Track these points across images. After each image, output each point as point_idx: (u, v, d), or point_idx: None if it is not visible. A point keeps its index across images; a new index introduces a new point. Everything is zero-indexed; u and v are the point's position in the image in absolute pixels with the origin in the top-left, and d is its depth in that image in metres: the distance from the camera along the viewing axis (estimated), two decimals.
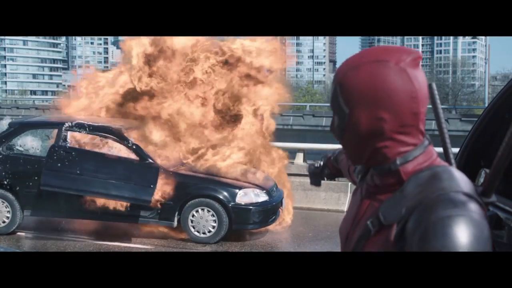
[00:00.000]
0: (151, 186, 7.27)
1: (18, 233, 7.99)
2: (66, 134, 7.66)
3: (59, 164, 7.30)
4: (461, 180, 1.12)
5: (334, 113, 1.23)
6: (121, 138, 7.75)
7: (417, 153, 1.17)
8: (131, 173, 7.38)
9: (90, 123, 7.86)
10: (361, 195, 1.30)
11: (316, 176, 2.08)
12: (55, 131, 7.82)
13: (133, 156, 7.60)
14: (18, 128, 8.12)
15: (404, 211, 1.11)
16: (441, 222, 1.04)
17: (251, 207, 7.55)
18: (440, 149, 1.32)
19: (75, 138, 7.78)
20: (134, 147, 7.59)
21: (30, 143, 8.07)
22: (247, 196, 7.64)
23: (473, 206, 1.06)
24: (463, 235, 1.01)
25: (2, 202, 7.81)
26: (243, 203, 7.56)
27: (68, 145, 7.62)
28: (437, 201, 1.07)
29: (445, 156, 1.30)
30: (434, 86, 1.32)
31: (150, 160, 7.58)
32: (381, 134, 1.15)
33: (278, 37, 10.30)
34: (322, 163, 2.06)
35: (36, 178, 7.55)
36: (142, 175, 7.37)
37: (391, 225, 1.13)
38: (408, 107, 1.14)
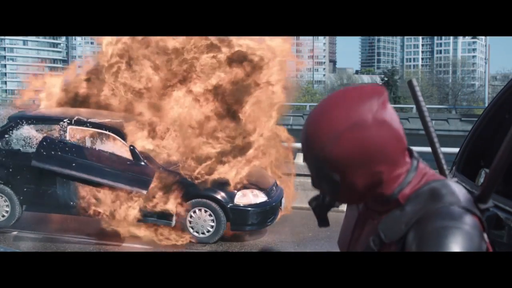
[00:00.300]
0: (148, 178, 7.29)
1: (18, 233, 7.99)
2: (64, 129, 7.69)
3: (51, 151, 7.33)
4: (460, 194, 1.14)
5: (319, 179, 1.19)
6: (120, 136, 7.77)
7: (410, 177, 1.18)
8: (127, 167, 7.43)
9: (91, 119, 7.86)
10: (357, 208, 1.31)
11: (321, 210, 1.95)
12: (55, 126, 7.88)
13: (130, 155, 7.59)
14: (18, 123, 8.08)
15: (403, 227, 1.13)
16: (437, 232, 1.07)
17: (249, 209, 7.50)
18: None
19: (72, 133, 7.81)
20: (131, 147, 7.55)
21: (29, 136, 8.02)
22: (245, 197, 7.59)
23: (469, 219, 1.09)
24: (456, 247, 1.04)
25: (1, 196, 7.82)
26: (241, 204, 7.52)
27: (65, 139, 7.64)
28: (436, 213, 1.10)
29: (436, 160, 1.30)
30: (414, 82, 1.31)
31: (149, 160, 7.57)
32: (380, 183, 1.16)
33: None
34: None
35: (34, 172, 7.58)
36: (139, 168, 7.41)
37: (392, 242, 1.15)
38: (397, 148, 1.14)
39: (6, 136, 7.95)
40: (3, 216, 7.81)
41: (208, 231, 7.50)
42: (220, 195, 7.50)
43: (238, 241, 7.82)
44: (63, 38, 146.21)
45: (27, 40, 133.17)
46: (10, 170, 7.80)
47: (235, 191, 7.56)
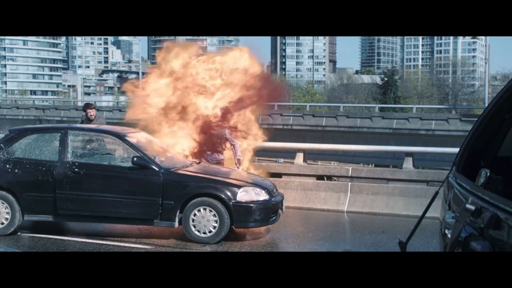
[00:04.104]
0: (156, 199, 7.45)
1: (18, 233, 7.99)
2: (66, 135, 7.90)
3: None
4: None
5: None
6: (121, 143, 7.87)
7: None
8: (135, 189, 7.57)
9: (90, 127, 7.96)
10: None
11: None
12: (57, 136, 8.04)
13: (133, 162, 7.63)
14: (18, 134, 8.24)
15: None
16: None
17: (252, 205, 7.56)
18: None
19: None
20: (135, 159, 7.58)
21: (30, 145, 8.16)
22: (248, 194, 7.65)
23: None
24: None
25: (2, 203, 7.85)
26: (244, 201, 7.57)
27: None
28: None
29: None
30: None
31: (153, 167, 7.58)
32: None
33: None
34: None
35: (35, 180, 7.73)
36: (146, 189, 7.55)
37: None
38: None
39: (7, 146, 8.06)
40: (2, 223, 7.83)
41: (210, 231, 7.50)
42: (223, 193, 7.54)
43: (239, 241, 7.82)
44: (63, 38, 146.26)
45: (27, 40, 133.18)
46: (13, 178, 7.86)
47: (238, 188, 7.62)
